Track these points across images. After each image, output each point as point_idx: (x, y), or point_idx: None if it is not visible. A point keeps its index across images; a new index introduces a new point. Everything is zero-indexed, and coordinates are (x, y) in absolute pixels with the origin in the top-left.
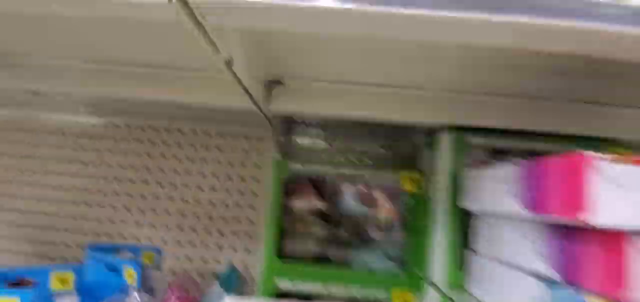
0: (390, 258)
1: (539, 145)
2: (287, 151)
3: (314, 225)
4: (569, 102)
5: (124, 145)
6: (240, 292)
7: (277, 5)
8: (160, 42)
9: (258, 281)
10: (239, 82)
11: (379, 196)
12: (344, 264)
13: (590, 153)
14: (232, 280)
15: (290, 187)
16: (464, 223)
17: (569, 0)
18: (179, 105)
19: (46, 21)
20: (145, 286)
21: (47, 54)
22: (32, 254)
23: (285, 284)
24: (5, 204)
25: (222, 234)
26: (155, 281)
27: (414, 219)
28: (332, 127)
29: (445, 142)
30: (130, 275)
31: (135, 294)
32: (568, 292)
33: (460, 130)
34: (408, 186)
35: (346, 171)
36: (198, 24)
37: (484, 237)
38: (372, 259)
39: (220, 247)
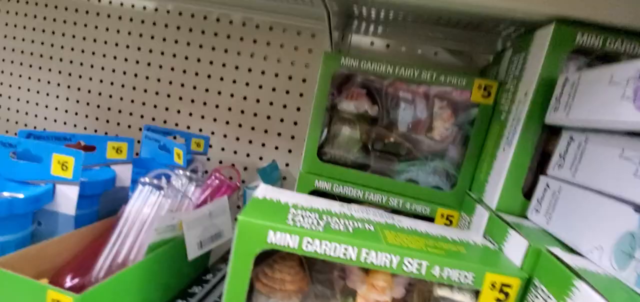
0: (441, 176)
1: None
2: (341, 49)
3: (361, 131)
4: None
5: (177, 34)
6: (279, 187)
7: None
8: None
9: (297, 179)
10: None
11: (439, 105)
12: (387, 175)
13: None
14: (273, 176)
15: (340, 87)
16: (538, 144)
17: None
18: None
19: None
20: (191, 167)
21: None
22: (96, 129)
23: (323, 185)
24: (71, 82)
25: (266, 131)
26: (200, 164)
27: (478, 134)
28: (395, 23)
29: (543, 40)
30: (178, 155)
31: (180, 171)
32: None
33: (569, 24)
34: (478, 97)
35: (405, 74)
36: None
37: (568, 159)
38: (420, 174)
39: (263, 144)
